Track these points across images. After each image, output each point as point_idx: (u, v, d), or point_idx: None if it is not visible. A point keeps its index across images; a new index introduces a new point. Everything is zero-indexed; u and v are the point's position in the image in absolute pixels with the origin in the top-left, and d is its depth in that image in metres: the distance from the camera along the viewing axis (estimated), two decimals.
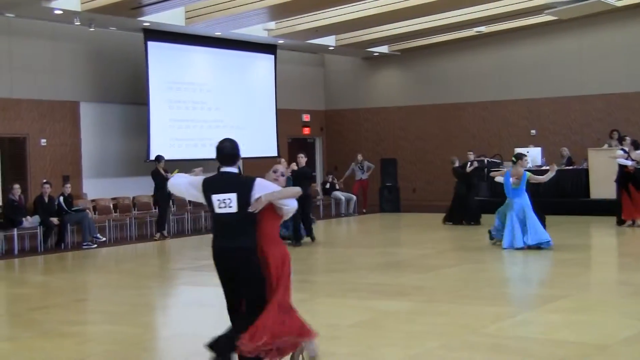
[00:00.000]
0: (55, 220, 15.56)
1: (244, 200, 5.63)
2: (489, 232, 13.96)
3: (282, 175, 6.14)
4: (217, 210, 5.70)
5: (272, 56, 22.56)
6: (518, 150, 18.05)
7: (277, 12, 18.41)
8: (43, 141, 18.36)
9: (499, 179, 13.80)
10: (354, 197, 22.12)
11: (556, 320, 7.93)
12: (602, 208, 18.07)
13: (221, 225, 5.74)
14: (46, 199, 15.68)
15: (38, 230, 15.38)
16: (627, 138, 16.55)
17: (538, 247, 12.97)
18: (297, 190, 5.94)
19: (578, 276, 10.89)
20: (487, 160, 20.16)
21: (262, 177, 5.93)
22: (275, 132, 22.57)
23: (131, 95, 19.71)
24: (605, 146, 19.09)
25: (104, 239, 16.31)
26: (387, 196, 22.14)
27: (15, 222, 15.13)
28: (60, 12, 16.50)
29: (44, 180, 16.24)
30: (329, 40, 22.53)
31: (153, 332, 8.53)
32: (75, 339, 7.76)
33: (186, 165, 19.49)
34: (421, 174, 24.35)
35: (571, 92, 22.27)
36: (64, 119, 18.82)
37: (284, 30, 20.60)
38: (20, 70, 17.89)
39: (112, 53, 19.66)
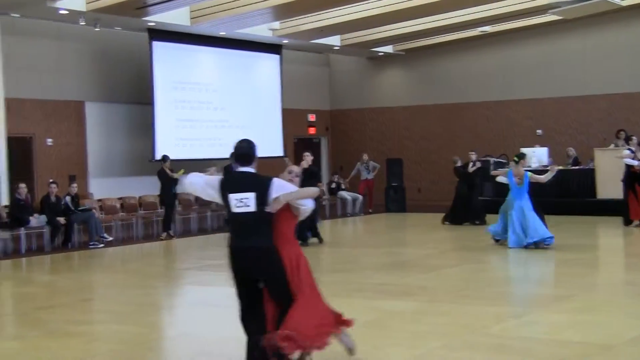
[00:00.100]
0: (62, 219, 15.61)
1: (262, 199, 5.65)
2: (491, 234, 13.90)
3: (297, 176, 6.19)
4: (235, 210, 5.71)
5: (277, 56, 22.58)
6: (523, 150, 18.06)
7: (281, 12, 18.43)
8: (49, 141, 18.42)
9: (500, 178, 13.81)
10: (360, 197, 22.12)
11: (561, 320, 7.93)
12: (609, 208, 18.04)
13: (238, 225, 5.75)
14: (53, 199, 15.72)
15: (45, 230, 15.43)
16: (634, 138, 16.51)
17: (540, 245, 12.98)
18: (315, 190, 6.02)
19: (583, 276, 10.87)
20: (493, 160, 20.14)
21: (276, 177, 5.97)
22: (281, 132, 22.60)
23: (136, 95, 19.76)
24: (612, 146, 19.05)
25: (111, 238, 16.35)
26: (392, 196, 22.14)
27: (22, 221, 15.18)
28: (66, 12, 16.54)
29: (51, 180, 16.28)
30: (334, 40, 22.54)
31: (159, 332, 8.55)
32: (81, 339, 7.79)
33: (191, 165, 19.57)
34: (426, 173, 24.35)
35: (575, 92, 22.24)
36: (69, 119, 18.87)
37: (289, 30, 20.62)
38: (26, 70, 17.94)
39: (118, 53, 19.71)
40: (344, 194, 22.15)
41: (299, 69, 24.75)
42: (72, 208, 15.91)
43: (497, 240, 13.77)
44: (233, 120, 21.14)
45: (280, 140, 22.49)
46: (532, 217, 13.10)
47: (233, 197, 5.69)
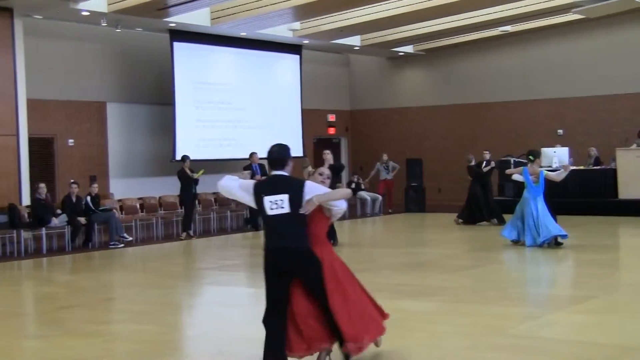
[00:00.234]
0: (82, 219, 15.70)
1: (296, 201, 5.76)
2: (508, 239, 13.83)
3: (328, 177, 6.41)
4: (269, 212, 5.81)
5: (297, 56, 22.60)
6: (544, 149, 17.97)
7: (302, 13, 18.43)
8: (71, 141, 18.54)
9: (516, 176, 13.77)
10: (380, 197, 22.09)
11: (583, 321, 7.87)
12: (631, 208, 17.90)
13: (274, 227, 5.86)
14: (74, 199, 15.81)
15: (66, 230, 15.53)
16: None
17: (554, 242, 12.94)
18: (347, 191, 6.16)
19: (605, 277, 10.78)
20: (514, 160, 20.04)
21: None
22: (300, 132, 22.61)
23: (157, 96, 19.84)
24: (634, 146, 18.90)
25: (131, 238, 16.43)
26: (412, 196, 22.10)
27: (43, 221, 15.29)
28: (87, 13, 16.64)
29: (72, 180, 16.39)
30: (354, 40, 22.52)
31: (178, 332, 8.57)
32: (101, 338, 7.83)
33: (211, 165, 19.67)
34: (446, 173, 24.24)
35: (598, 91, 22.06)
36: (91, 120, 18.99)
37: (309, 30, 20.62)
38: (49, 72, 18.06)
39: (139, 54, 19.80)
40: (364, 194, 22.12)
41: (319, 69, 24.75)
42: (93, 208, 16.00)
43: (516, 242, 13.69)
44: (253, 121, 21.19)
45: (300, 141, 22.49)
46: (544, 216, 13.08)
47: (267, 200, 5.80)
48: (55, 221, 15.44)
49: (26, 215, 15.58)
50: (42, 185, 15.65)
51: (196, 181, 17.19)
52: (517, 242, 13.62)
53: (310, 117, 23.43)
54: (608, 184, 19.12)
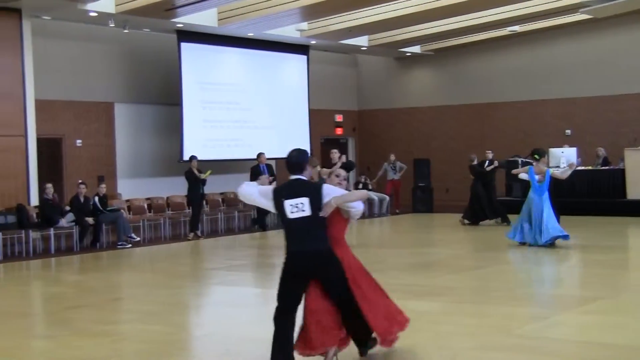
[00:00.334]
0: (90, 220, 15.75)
1: (316, 204, 5.88)
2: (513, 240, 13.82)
3: (345, 179, 6.53)
4: (290, 216, 5.91)
5: (305, 57, 22.60)
6: (552, 149, 17.93)
7: (309, 13, 18.44)
8: (78, 142, 18.59)
9: (522, 175, 13.78)
10: (387, 198, 22.09)
11: (590, 322, 7.86)
12: (639, 209, 17.83)
13: (294, 231, 5.95)
14: (82, 199, 15.86)
15: (74, 230, 15.59)
16: None
17: (555, 243, 12.96)
18: (364, 193, 6.38)
19: (612, 278, 10.76)
20: (522, 160, 20.01)
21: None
22: (308, 132, 22.61)
23: (165, 96, 19.88)
24: None
25: (138, 238, 16.47)
26: (420, 196, 22.09)
27: (51, 221, 15.34)
28: (95, 14, 16.69)
29: (80, 181, 16.44)
30: (362, 41, 22.51)
31: (186, 332, 8.60)
32: (109, 338, 7.86)
33: (219, 166, 19.69)
34: (454, 174, 24.19)
35: (606, 91, 21.99)
36: (98, 120, 19.03)
37: (317, 30, 20.62)
38: (56, 72, 18.12)
39: (146, 54, 19.85)
40: (371, 194, 22.11)
41: (327, 70, 24.75)
42: (101, 208, 16.05)
43: (522, 243, 13.68)
44: (260, 121, 21.21)
45: (308, 141, 22.50)
46: (548, 216, 13.08)
47: (288, 204, 5.90)
48: (63, 221, 15.50)
49: (34, 215, 15.64)
50: (49, 185, 15.70)
51: (204, 181, 17.23)
52: (524, 244, 13.61)
53: (317, 118, 23.44)
54: (616, 184, 19.08)
